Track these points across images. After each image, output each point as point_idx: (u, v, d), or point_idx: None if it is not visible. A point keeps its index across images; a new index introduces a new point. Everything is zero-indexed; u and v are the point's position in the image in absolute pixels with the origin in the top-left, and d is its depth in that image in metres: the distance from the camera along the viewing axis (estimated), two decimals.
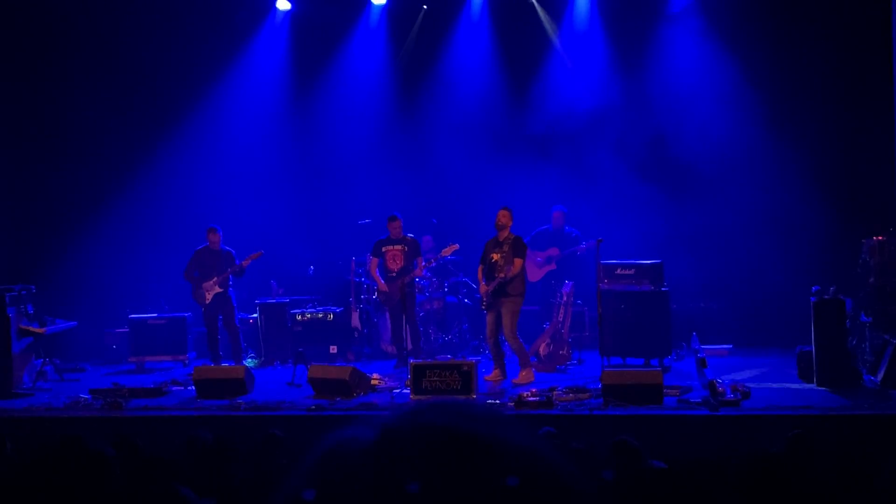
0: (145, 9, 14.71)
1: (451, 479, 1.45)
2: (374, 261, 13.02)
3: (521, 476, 1.47)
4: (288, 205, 15.25)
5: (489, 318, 11.54)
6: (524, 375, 11.34)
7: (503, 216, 11.53)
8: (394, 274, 12.77)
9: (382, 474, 1.46)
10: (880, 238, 11.60)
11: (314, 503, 1.48)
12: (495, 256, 11.42)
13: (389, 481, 1.45)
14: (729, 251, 13.90)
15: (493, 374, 11.49)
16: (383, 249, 12.92)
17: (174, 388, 11.65)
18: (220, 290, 12.99)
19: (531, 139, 14.77)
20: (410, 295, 12.77)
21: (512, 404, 9.84)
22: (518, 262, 11.37)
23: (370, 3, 15.30)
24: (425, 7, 15.26)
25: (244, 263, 13.01)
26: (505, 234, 11.48)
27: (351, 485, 1.47)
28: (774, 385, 10.66)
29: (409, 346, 12.52)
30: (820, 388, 10.30)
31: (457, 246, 12.79)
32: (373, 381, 11.18)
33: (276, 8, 15.41)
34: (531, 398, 9.97)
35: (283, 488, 1.56)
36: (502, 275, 11.32)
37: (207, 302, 13.00)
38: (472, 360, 10.98)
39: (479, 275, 11.72)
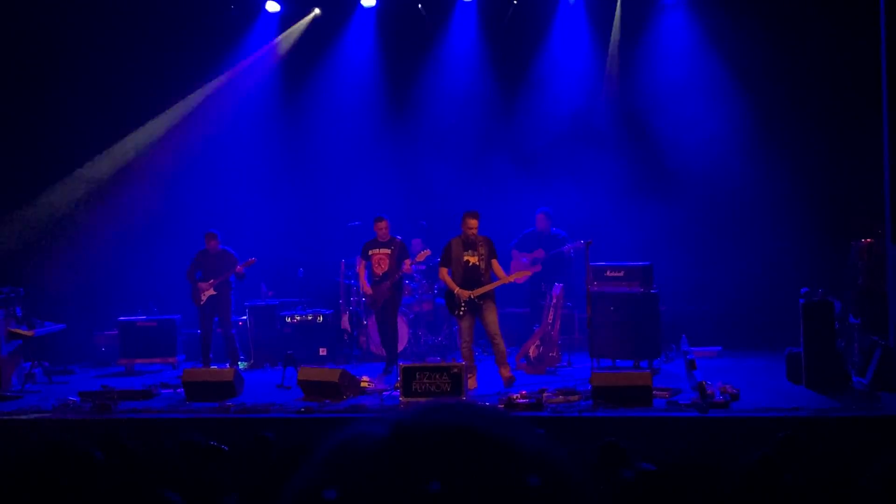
0: (137, 10, 14.67)
1: (464, 478, 1.46)
2: (363, 263, 12.90)
3: (537, 476, 1.48)
4: (277, 207, 15.25)
5: (465, 325, 11.18)
6: (508, 369, 11.27)
7: (476, 222, 11.11)
8: (378, 278, 12.69)
9: (394, 471, 1.47)
10: (869, 240, 11.64)
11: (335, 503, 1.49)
12: (472, 259, 11.10)
13: (401, 478, 1.46)
14: (718, 253, 13.94)
15: (471, 383, 11.02)
16: (370, 253, 12.81)
17: (163, 391, 11.63)
18: (215, 292, 13.00)
19: (520, 141, 14.78)
20: (394, 299, 12.70)
21: (501, 406, 9.84)
22: (496, 262, 11.25)
23: (360, 4, 15.29)
24: (420, 6, 15.29)
25: (238, 269, 13.01)
26: (475, 233, 11.15)
27: (361, 481, 1.48)
28: (763, 387, 10.68)
29: (386, 352, 12.56)
30: (809, 390, 10.33)
31: (429, 251, 12.66)
32: (362, 384, 11.17)
33: (265, 10, 15.39)
34: (521, 400, 9.99)
35: (291, 485, 1.56)
36: (512, 279, 11.33)
37: (202, 303, 13.03)
38: (462, 362, 10.95)
39: (446, 276, 11.25)
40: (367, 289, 12.76)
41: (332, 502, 1.47)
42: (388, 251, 12.68)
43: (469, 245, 11.15)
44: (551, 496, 1.47)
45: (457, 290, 11.09)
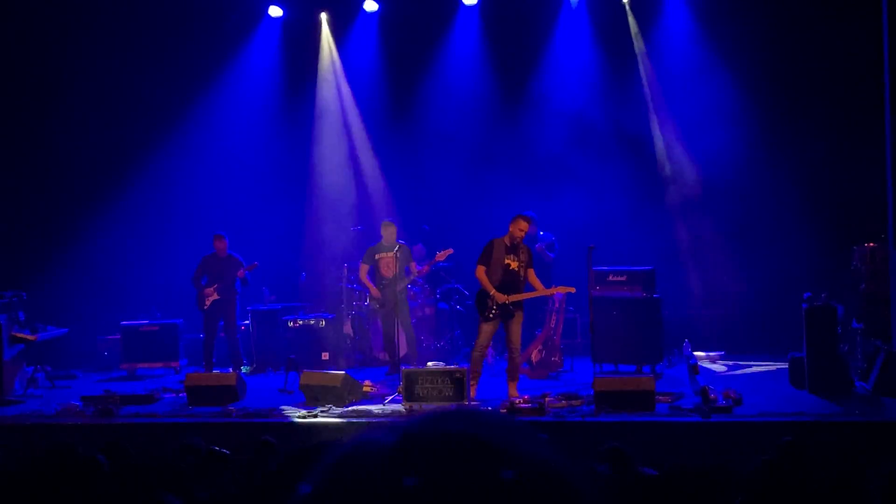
0: (139, 14, 14.69)
1: (469, 484, 1.48)
2: (365, 267, 12.91)
3: (534, 482, 1.49)
4: (280, 211, 15.25)
5: (489, 329, 10.78)
6: (516, 387, 10.99)
7: (528, 226, 10.85)
8: (386, 281, 12.70)
9: (399, 475, 1.49)
10: (872, 245, 11.63)
11: (310, 497, 1.50)
12: (513, 264, 10.70)
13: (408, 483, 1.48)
14: (721, 258, 13.92)
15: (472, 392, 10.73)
16: (377, 257, 12.80)
17: (166, 395, 11.62)
18: (219, 297, 12.98)
19: (523, 145, 14.77)
20: (404, 301, 12.75)
21: (504, 411, 9.82)
22: (533, 272, 10.94)
23: (362, 9, 15.31)
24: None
25: (240, 275, 12.98)
26: (523, 237, 10.81)
27: (367, 484, 1.49)
28: (766, 392, 10.66)
29: (406, 351, 12.54)
30: (811, 395, 10.31)
31: (451, 250, 12.52)
32: (364, 388, 11.16)
33: (268, 14, 15.41)
34: (523, 405, 9.97)
35: (299, 490, 1.57)
36: (551, 293, 11.00)
37: (206, 308, 13.01)
38: (465, 366, 10.89)
39: (483, 276, 10.70)
40: (376, 291, 12.75)
41: (307, 497, 1.49)
42: (396, 255, 12.69)
43: (512, 249, 10.77)
44: (540, 497, 1.49)
45: (493, 291, 10.65)
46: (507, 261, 10.72)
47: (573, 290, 11.35)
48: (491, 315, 10.70)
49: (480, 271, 10.78)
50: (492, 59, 15.20)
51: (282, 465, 4.72)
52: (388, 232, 12.70)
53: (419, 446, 1.52)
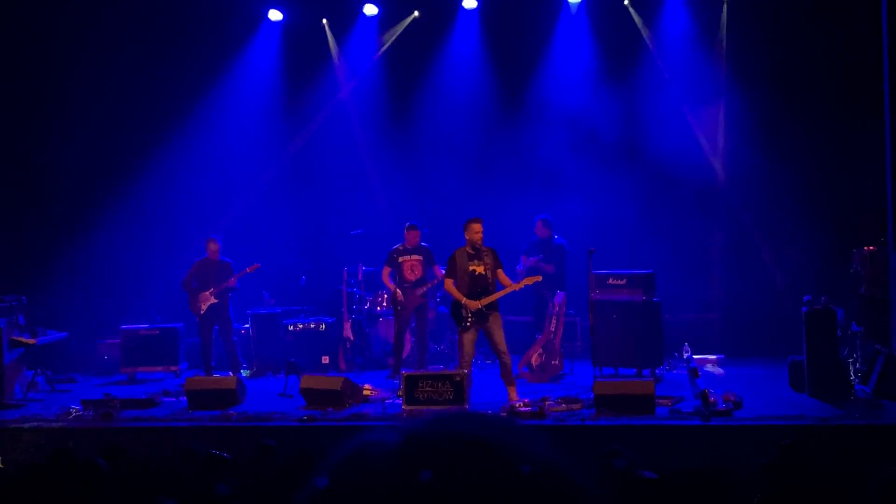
0: (139, 18, 14.69)
1: (473, 483, 1.50)
2: (387, 269, 12.87)
3: (536, 479, 1.51)
4: (280, 215, 15.25)
5: (470, 338, 10.69)
6: (515, 390, 10.90)
7: (481, 227, 10.84)
8: (410, 284, 12.70)
9: (405, 472, 1.50)
10: (872, 248, 11.62)
11: (327, 491, 1.52)
12: (479, 269, 10.72)
13: (411, 478, 1.49)
14: (721, 261, 13.92)
15: None
16: (400, 260, 12.78)
17: (166, 399, 11.63)
18: (216, 301, 12.97)
19: (524, 148, 14.77)
20: (424, 306, 12.83)
21: (504, 415, 9.81)
22: (502, 272, 10.90)
23: (362, 13, 15.32)
24: (416, 13, 15.30)
25: (231, 283, 12.93)
26: (481, 237, 10.81)
27: (375, 480, 1.51)
28: (766, 395, 10.66)
29: (408, 354, 12.54)
30: (812, 398, 10.30)
31: None
32: (365, 392, 11.16)
33: (268, 18, 15.42)
34: (523, 408, 9.97)
35: (306, 486, 1.59)
36: (521, 286, 10.80)
37: (202, 312, 12.99)
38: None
39: (452, 288, 10.76)
40: (399, 294, 12.72)
41: (324, 491, 1.50)
42: (420, 258, 12.73)
43: (475, 255, 10.78)
44: (542, 493, 1.50)
45: (465, 300, 10.65)
46: (472, 267, 10.77)
47: (539, 278, 11.46)
48: (468, 323, 10.69)
49: (449, 284, 10.86)
50: (492, 63, 15.20)
51: (282, 468, 4.72)
52: (412, 235, 12.75)
53: (425, 446, 1.53)
